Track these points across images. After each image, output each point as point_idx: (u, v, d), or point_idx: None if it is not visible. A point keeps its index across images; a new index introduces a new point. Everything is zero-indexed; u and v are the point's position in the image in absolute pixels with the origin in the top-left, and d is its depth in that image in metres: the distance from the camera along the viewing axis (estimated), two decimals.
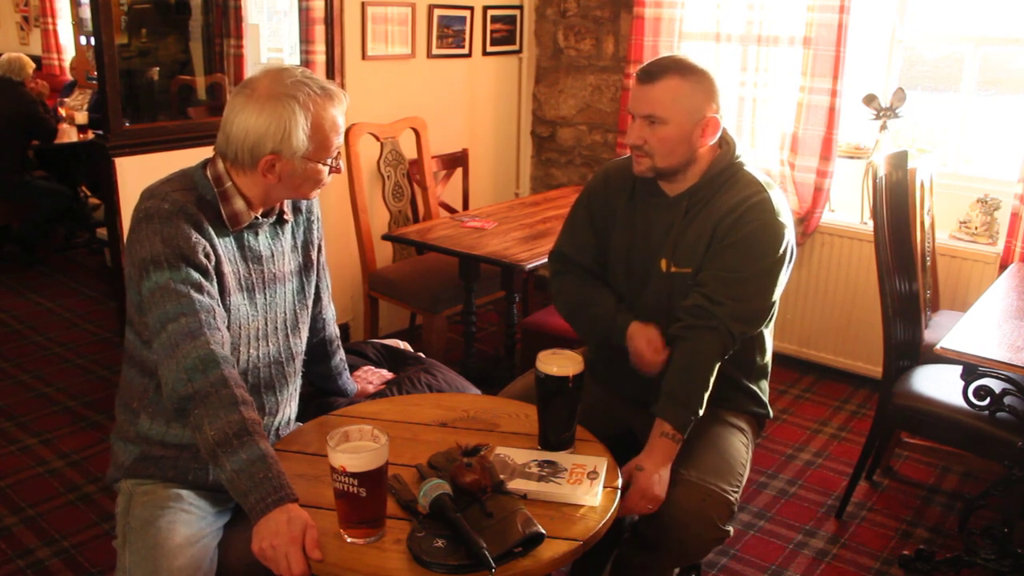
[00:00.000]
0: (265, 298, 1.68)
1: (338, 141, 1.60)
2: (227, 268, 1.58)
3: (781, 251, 1.79)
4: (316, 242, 1.80)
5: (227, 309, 1.58)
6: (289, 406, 1.78)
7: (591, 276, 2.00)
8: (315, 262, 1.80)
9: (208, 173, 1.59)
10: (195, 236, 1.51)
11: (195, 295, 1.48)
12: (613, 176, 1.99)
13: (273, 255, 1.69)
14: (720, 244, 1.79)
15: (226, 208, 1.58)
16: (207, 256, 1.53)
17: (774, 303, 1.83)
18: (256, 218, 1.63)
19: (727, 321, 1.74)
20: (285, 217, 1.71)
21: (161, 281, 1.47)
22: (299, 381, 1.82)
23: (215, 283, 1.54)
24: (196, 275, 1.50)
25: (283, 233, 1.72)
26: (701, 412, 1.74)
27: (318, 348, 1.92)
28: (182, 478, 1.62)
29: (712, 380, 1.76)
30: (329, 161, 1.60)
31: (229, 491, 1.39)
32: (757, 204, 1.79)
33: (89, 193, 5.43)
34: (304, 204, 1.77)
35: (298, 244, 1.76)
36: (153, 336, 1.49)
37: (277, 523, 1.31)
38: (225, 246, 1.59)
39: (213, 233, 1.56)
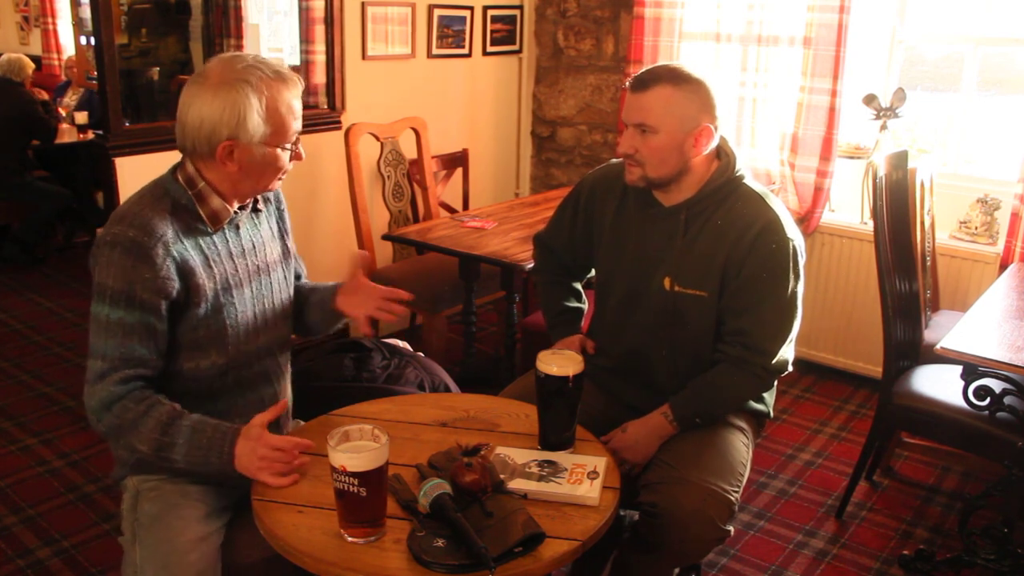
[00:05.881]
0: (253, 291, 1.68)
1: (296, 125, 1.58)
2: (204, 276, 1.57)
3: (798, 270, 1.80)
4: (288, 230, 1.83)
5: (208, 313, 1.58)
6: (285, 394, 1.81)
7: (563, 271, 2.17)
8: (290, 250, 1.82)
9: (180, 177, 1.59)
10: (155, 264, 1.48)
11: (122, 340, 1.49)
12: (602, 180, 1.99)
13: (255, 246, 1.70)
14: (739, 279, 1.78)
15: (204, 209, 1.58)
16: (162, 290, 1.50)
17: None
18: (235, 213, 1.63)
19: (774, 368, 1.82)
20: (259, 206, 1.72)
21: (100, 314, 1.50)
22: (289, 370, 1.84)
23: (163, 318, 1.52)
24: (132, 317, 1.49)
25: (261, 223, 1.73)
26: (702, 424, 1.83)
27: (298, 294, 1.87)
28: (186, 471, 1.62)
29: (731, 409, 1.89)
30: (288, 146, 1.59)
31: (196, 471, 1.52)
32: (767, 228, 1.77)
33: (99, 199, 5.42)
34: (273, 194, 1.78)
35: (274, 233, 1.77)
36: None
37: (248, 458, 1.47)
38: (208, 247, 1.59)
39: (188, 242, 1.55)
